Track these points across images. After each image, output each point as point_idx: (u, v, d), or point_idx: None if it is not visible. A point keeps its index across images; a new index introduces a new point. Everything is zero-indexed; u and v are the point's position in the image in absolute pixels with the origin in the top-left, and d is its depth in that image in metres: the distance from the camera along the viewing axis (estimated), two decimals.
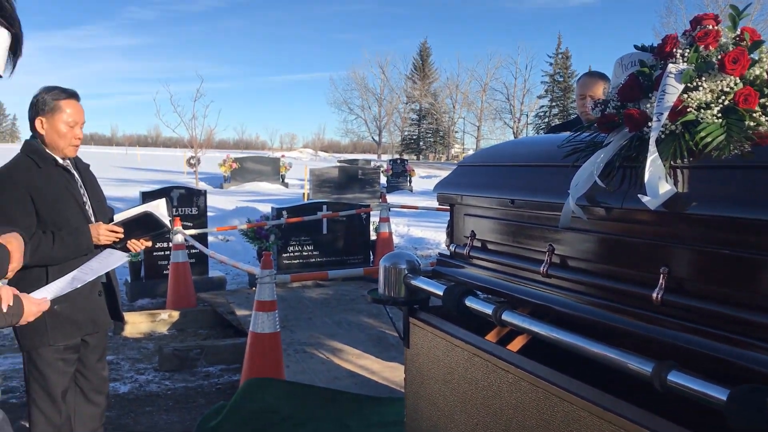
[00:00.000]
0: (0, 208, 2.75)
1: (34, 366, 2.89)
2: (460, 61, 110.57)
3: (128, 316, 6.01)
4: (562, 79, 76.63)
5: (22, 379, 4.52)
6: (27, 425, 3.01)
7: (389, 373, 4.39)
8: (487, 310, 2.21)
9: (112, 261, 2.36)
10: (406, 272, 2.93)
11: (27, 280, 2.66)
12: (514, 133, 71.45)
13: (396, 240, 11.42)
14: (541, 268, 2.14)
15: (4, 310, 1.71)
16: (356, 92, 79.51)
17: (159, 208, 3.05)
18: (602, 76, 3.56)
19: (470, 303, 2.35)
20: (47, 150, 2.90)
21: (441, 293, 2.56)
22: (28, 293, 2.09)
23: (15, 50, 1.25)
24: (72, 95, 2.94)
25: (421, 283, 2.78)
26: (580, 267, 2.02)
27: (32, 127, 2.91)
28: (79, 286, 2.19)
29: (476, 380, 2.33)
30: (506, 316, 2.09)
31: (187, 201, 7.49)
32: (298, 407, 3.66)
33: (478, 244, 2.65)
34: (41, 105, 2.88)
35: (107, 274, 3.03)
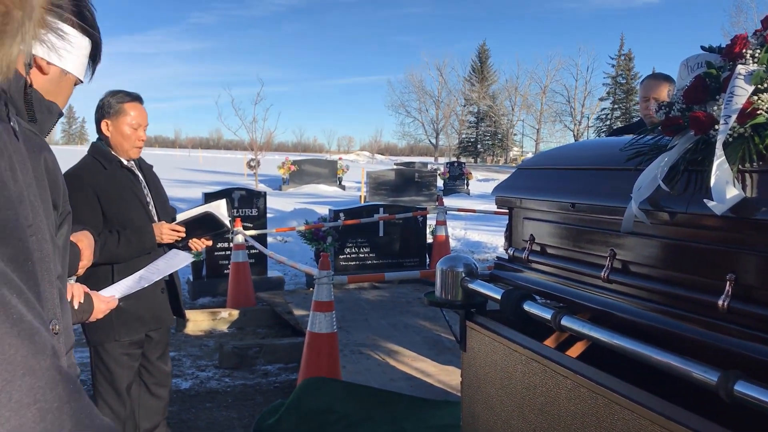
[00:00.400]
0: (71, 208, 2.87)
1: (100, 360, 3.01)
2: (520, 62, 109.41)
3: (190, 314, 6.17)
4: (624, 81, 74.93)
5: (90, 373, 4.71)
6: None
7: (445, 376, 4.38)
8: (546, 315, 2.19)
9: (178, 261, 2.44)
10: (464, 275, 2.92)
11: (94, 277, 2.77)
12: (574, 135, 70.24)
13: (453, 243, 11.37)
14: (602, 273, 2.10)
15: (75, 307, 1.79)
16: (413, 95, 79.70)
17: (219, 208, 3.13)
18: (667, 78, 3.48)
19: (528, 307, 2.33)
20: (112, 152, 3.00)
21: (499, 297, 2.54)
22: (97, 291, 2.18)
23: (95, 57, 1.31)
24: (136, 98, 3.03)
25: (479, 287, 2.77)
26: (642, 272, 1.98)
27: (98, 130, 3.02)
28: (146, 285, 2.26)
29: (534, 386, 2.31)
30: (566, 322, 2.06)
31: (247, 202, 7.65)
32: (355, 408, 3.69)
33: (537, 248, 2.62)
34: (107, 108, 2.98)
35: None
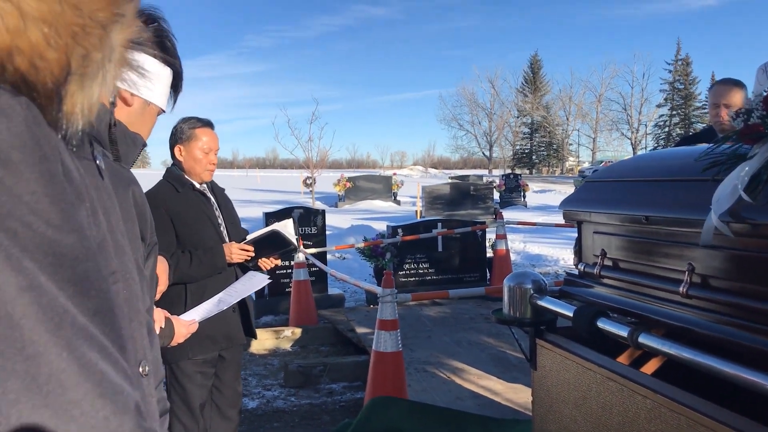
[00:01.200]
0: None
1: (175, 378, 3.07)
2: (573, 71, 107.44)
3: (255, 338, 6.25)
4: (682, 87, 73.04)
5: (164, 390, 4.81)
6: None
7: (512, 394, 4.30)
8: (622, 332, 2.12)
9: (255, 283, 2.47)
10: (532, 292, 2.87)
11: (167, 297, 2.85)
12: (632, 144, 68.71)
13: (512, 257, 11.22)
14: (681, 288, 2.03)
15: (156, 332, 1.82)
16: (465, 108, 79.45)
17: (287, 227, 3.20)
18: (738, 84, 3.36)
19: (602, 324, 2.27)
20: (185, 176, 3.11)
21: (571, 314, 2.49)
22: (170, 310, 2.23)
23: (176, 86, 1.34)
24: (207, 124, 3.15)
25: (549, 304, 2.72)
26: (724, 287, 1.91)
27: (172, 155, 3.14)
28: (224, 308, 2.30)
29: (610, 405, 2.24)
30: (644, 339, 2.00)
31: (306, 220, 7.73)
32: (422, 427, 3.66)
33: (609, 263, 2.55)
34: (179, 134, 3.10)
35: None
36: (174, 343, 1.91)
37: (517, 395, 4.23)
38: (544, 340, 2.85)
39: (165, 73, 1.29)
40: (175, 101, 1.39)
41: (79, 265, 0.47)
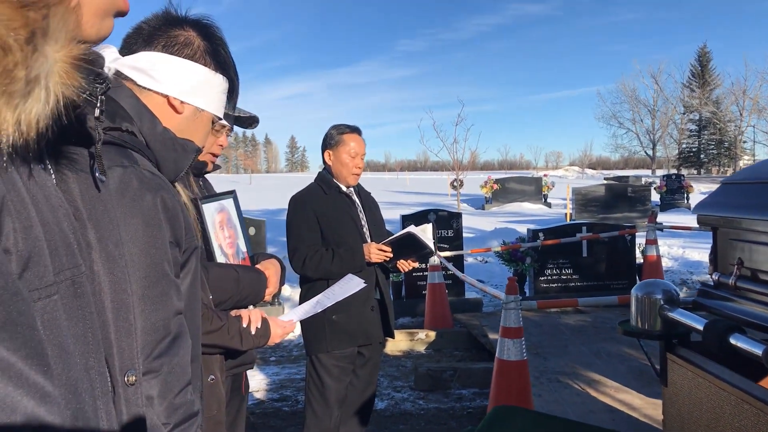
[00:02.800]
0: (293, 227, 3.23)
1: (314, 370, 3.23)
2: (748, 63, 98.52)
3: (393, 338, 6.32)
4: None
5: (296, 389, 4.99)
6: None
7: (652, 410, 3.99)
8: (756, 349, 1.89)
9: (352, 286, 2.49)
10: (662, 303, 2.64)
11: (312, 291, 3.04)
12: None
13: (668, 263, 10.50)
14: None
15: (252, 333, 1.88)
16: (626, 105, 75.68)
17: (426, 232, 3.27)
18: None
19: (736, 341, 2.04)
20: (333, 179, 3.31)
21: (701, 328, 2.26)
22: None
23: (231, 93, 1.37)
24: (354, 130, 3.33)
25: (680, 316, 2.49)
26: None
27: (323, 160, 3.35)
28: (320, 310, 2.33)
29: (746, 430, 2.01)
30: None
31: (443, 223, 7.69)
32: None
33: (747, 273, 2.28)
34: (329, 140, 3.31)
35: (380, 291, 3.33)
36: (270, 343, 1.95)
37: (657, 411, 3.92)
38: (676, 354, 2.62)
39: (217, 81, 1.31)
40: (234, 108, 1.41)
41: None
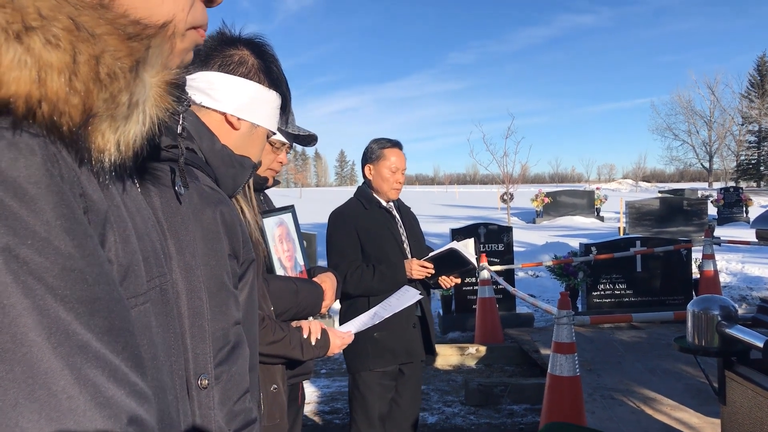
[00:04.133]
0: (334, 242, 3.22)
1: (356, 388, 3.22)
2: None
3: (439, 349, 6.31)
4: None
5: (346, 401, 5.03)
6: None
7: (710, 430, 3.89)
8: None
9: (408, 298, 2.52)
10: (720, 319, 2.60)
11: (353, 308, 3.07)
12: None
13: (726, 278, 10.20)
14: None
15: (312, 343, 1.93)
16: (681, 116, 73.92)
17: (467, 247, 3.23)
18: None
19: None
20: (374, 194, 3.29)
21: (761, 345, 2.21)
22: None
23: (284, 108, 1.43)
24: (395, 144, 3.30)
25: (738, 333, 2.45)
26: None
27: (363, 174, 3.35)
28: (378, 321, 2.37)
29: None
30: None
31: (494, 237, 7.65)
32: None
33: None
34: (369, 154, 3.30)
35: (422, 308, 3.29)
36: (330, 353, 2.00)
37: (715, 431, 3.82)
38: (735, 372, 2.56)
39: (271, 97, 1.37)
40: (286, 122, 1.48)
41: (88, 289, 0.53)
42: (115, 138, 0.58)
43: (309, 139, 2.23)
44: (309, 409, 5.00)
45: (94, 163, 0.58)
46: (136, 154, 0.62)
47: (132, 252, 0.65)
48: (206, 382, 0.86)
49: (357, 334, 2.50)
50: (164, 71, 0.64)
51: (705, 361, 2.94)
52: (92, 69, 0.54)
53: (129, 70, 0.57)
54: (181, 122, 0.80)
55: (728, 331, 2.49)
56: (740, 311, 2.43)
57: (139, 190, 0.80)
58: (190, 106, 0.80)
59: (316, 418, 4.80)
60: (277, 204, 2.43)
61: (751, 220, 21.33)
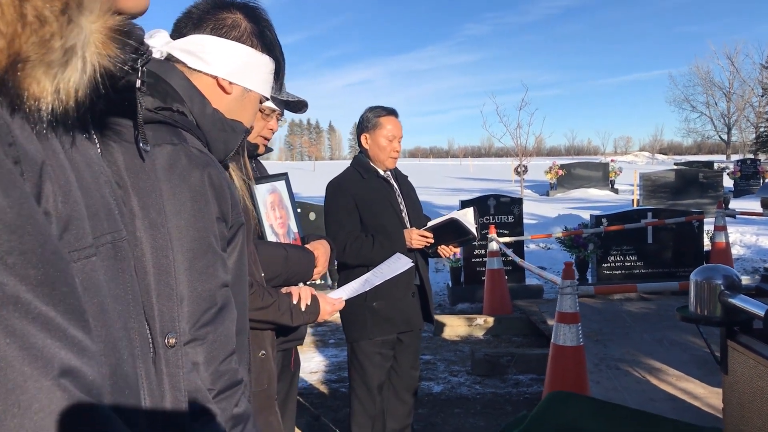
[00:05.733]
0: (332, 213, 3.19)
1: (355, 357, 3.24)
2: None
3: (447, 319, 6.34)
4: None
5: (347, 370, 5.07)
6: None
7: (715, 399, 3.88)
8: None
9: (400, 266, 2.51)
10: (723, 288, 2.57)
11: (352, 277, 3.03)
12: None
13: (740, 251, 10.12)
14: None
15: (302, 309, 1.93)
16: (699, 88, 72.73)
17: (467, 216, 3.20)
18: None
19: None
20: (371, 163, 3.25)
21: (762, 314, 2.19)
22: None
23: (278, 74, 1.41)
24: (391, 112, 3.26)
25: (741, 302, 2.42)
26: None
27: (359, 144, 3.31)
28: (369, 288, 2.37)
29: None
30: None
31: (503, 209, 7.61)
32: (606, 427, 3.44)
33: None
34: (365, 123, 3.25)
35: (420, 277, 3.29)
36: (320, 319, 2.00)
37: (720, 401, 3.80)
38: (737, 342, 2.54)
39: (264, 62, 1.35)
40: (280, 88, 1.46)
41: (17, 240, 0.52)
42: (53, 85, 0.56)
43: (299, 106, 2.21)
44: (316, 377, 5.05)
45: (28, 111, 0.57)
46: (79, 104, 0.61)
47: (73, 205, 0.63)
48: (173, 340, 0.85)
49: (355, 303, 2.51)
50: (106, 17, 0.62)
51: (709, 331, 2.92)
52: (16, 10, 0.52)
53: (60, 13, 0.55)
54: (139, 76, 0.78)
55: (731, 300, 2.46)
56: (747, 281, 2.41)
57: (98, 145, 0.79)
58: (149, 59, 0.78)
59: (322, 387, 4.85)
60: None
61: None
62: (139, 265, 0.82)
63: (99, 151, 0.79)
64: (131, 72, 0.73)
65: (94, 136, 0.79)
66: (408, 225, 3.26)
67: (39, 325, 0.52)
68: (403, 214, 3.27)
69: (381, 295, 3.03)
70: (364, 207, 3.16)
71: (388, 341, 3.21)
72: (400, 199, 3.29)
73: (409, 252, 3.14)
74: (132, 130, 0.87)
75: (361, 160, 3.27)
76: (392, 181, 3.30)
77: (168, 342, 0.85)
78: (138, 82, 0.79)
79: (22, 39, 0.53)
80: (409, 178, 3.52)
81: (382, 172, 3.25)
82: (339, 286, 3.19)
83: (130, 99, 0.81)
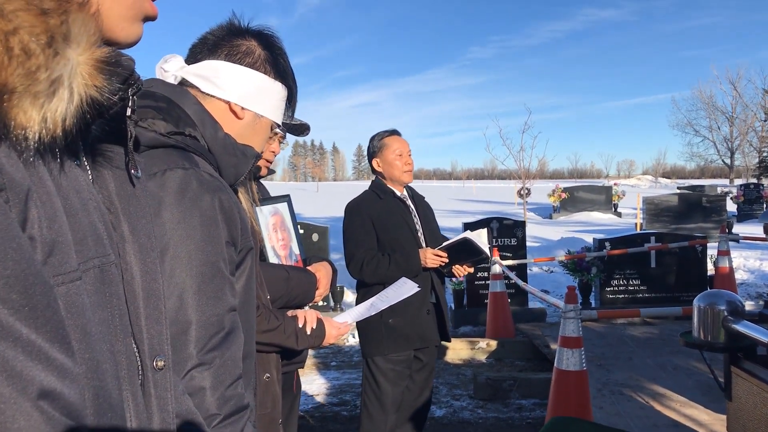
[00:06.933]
0: (350, 232, 3.30)
1: (370, 373, 3.28)
2: None
3: (450, 343, 6.30)
4: None
5: (355, 393, 5.05)
6: None
7: (720, 426, 3.85)
8: None
9: (405, 290, 2.51)
10: (726, 314, 2.57)
11: (369, 295, 3.07)
12: None
13: (744, 275, 10.08)
14: None
15: (308, 333, 1.93)
16: (702, 112, 72.87)
17: (480, 236, 3.28)
18: None
19: None
20: (387, 185, 3.37)
21: (766, 341, 2.18)
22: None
23: (290, 101, 1.43)
24: (393, 132, 3.40)
25: (744, 328, 2.42)
26: None
27: (373, 170, 3.44)
28: (374, 313, 2.37)
29: None
30: None
31: (506, 232, 7.61)
32: None
33: None
34: (373, 149, 3.40)
35: (436, 296, 3.36)
36: (325, 343, 2.00)
37: (724, 428, 3.78)
38: (741, 368, 2.53)
39: (277, 89, 1.37)
40: (292, 115, 1.48)
41: (1, 265, 0.54)
42: (40, 115, 0.59)
43: (301, 128, 2.23)
44: (318, 400, 5.02)
45: (15, 140, 0.58)
46: (67, 133, 0.63)
47: (59, 230, 0.65)
48: (162, 363, 0.86)
49: (372, 320, 2.53)
50: (92, 49, 0.64)
51: (712, 356, 2.91)
52: (2, 44, 0.55)
53: (47, 46, 0.57)
54: (130, 105, 0.80)
55: (734, 326, 2.46)
56: (751, 307, 2.41)
57: (89, 172, 0.80)
58: (140, 89, 0.80)
59: (324, 409, 4.82)
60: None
61: None
62: (129, 288, 0.83)
63: (90, 177, 0.80)
64: (119, 102, 0.75)
65: (85, 163, 0.80)
66: (423, 244, 3.34)
67: (20, 347, 0.53)
68: (419, 234, 3.36)
69: (397, 312, 3.09)
70: (380, 226, 3.27)
71: (403, 359, 3.25)
72: (416, 219, 3.39)
73: (424, 271, 3.23)
74: (123, 157, 0.88)
75: (378, 183, 3.40)
76: (408, 202, 3.41)
77: (156, 365, 0.85)
78: (128, 111, 0.81)
79: (9, 71, 0.55)
80: (426, 199, 3.60)
81: (398, 193, 3.37)
82: (358, 302, 3.22)
83: (121, 127, 0.83)
